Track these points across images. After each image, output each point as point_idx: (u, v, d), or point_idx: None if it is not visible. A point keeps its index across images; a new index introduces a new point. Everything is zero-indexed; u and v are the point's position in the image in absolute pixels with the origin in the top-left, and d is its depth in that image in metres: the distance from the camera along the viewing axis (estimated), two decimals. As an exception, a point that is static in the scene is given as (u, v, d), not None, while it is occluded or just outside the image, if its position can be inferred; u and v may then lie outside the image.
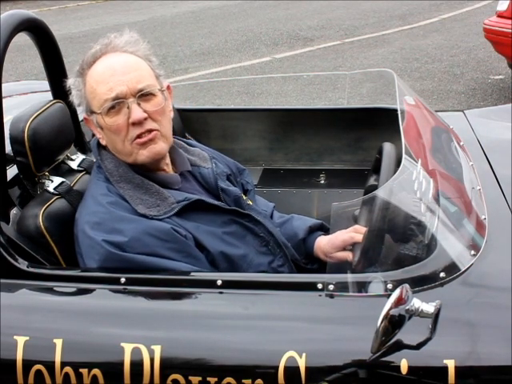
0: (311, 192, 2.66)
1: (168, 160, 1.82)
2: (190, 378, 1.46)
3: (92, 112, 1.74)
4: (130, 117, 1.68)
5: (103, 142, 1.77)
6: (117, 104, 1.68)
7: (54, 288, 1.62)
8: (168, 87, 1.80)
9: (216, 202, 1.80)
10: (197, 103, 6.30)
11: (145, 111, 1.69)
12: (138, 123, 1.68)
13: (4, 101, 1.75)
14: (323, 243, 1.96)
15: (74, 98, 1.79)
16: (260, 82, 7.00)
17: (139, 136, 1.69)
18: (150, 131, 1.70)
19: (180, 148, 1.90)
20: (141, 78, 1.71)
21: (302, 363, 1.43)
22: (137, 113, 1.67)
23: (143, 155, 1.71)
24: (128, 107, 1.68)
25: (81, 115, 2.33)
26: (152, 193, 1.71)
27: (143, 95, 1.69)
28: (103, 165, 1.76)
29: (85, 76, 1.74)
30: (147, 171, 1.76)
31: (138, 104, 1.68)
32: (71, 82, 1.79)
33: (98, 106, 1.71)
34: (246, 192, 2.03)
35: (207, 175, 1.89)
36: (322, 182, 2.71)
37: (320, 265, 1.98)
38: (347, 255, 1.83)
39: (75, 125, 2.13)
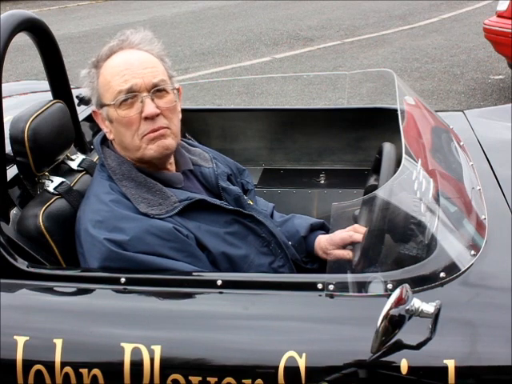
0: (311, 192, 2.66)
1: (172, 159, 1.82)
2: (190, 377, 1.46)
3: (103, 105, 1.74)
4: (142, 111, 1.68)
5: (110, 137, 1.77)
6: (130, 97, 1.68)
7: (54, 288, 1.62)
8: (178, 89, 1.80)
9: (218, 202, 1.80)
10: (197, 103, 6.30)
11: (157, 107, 1.69)
12: (151, 118, 1.68)
13: (4, 101, 1.75)
14: (323, 241, 1.97)
15: (86, 89, 1.79)
16: (260, 82, 7.00)
17: (150, 131, 1.69)
18: (160, 128, 1.70)
19: (182, 148, 1.90)
20: (156, 73, 1.72)
21: (301, 363, 1.43)
22: (150, 108, 1.68)
23: (151, 150, 1.71)
24: (141, 101, 1.68)
25: (81, 115, 2.35)
26: (154, 191, 1.71)
27: (157, 91, 1.70)
28: (106, 163, 1.76)
29: (99, 68, 1.74)
30: (151, 170, 1.76)
31: (152, 99, 1.69)
32: (85, 72, 1.78)
33: (111, 97, 1.70)
34: (246, 192, 2.03)
35: (208, 175, 1.89)
36: (322, 181, 2.71)
37: (320, 265, 1.98)
38: (346, 254, 1.84)
39: (75, 125, 2.13)
